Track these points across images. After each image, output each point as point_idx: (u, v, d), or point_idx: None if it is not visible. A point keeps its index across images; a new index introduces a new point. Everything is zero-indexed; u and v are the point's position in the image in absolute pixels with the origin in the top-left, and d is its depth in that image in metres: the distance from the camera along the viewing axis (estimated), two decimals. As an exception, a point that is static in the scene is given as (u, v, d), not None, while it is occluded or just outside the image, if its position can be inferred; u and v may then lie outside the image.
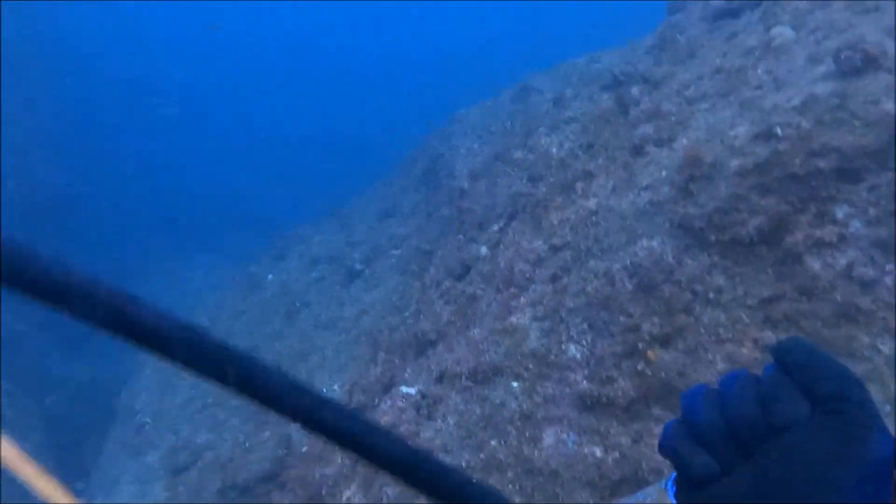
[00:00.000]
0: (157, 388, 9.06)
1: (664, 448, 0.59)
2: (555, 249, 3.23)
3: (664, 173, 2.89)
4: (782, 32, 3.08)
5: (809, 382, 0.52)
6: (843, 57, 2.46)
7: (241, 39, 35.78)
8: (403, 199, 11.27)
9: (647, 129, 3.25)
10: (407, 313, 5.06)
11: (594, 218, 3.11)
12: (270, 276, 12.11)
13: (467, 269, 4.33)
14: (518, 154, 5.42)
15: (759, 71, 3.05)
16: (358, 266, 8.75)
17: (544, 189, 4.30)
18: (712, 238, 2.53)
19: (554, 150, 5.00)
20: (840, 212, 2.26)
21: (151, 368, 9.58)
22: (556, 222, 3.52)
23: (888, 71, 2.38)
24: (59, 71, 16.99)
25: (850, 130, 2.32)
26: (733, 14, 4.22)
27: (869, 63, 2.41)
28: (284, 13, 37.96)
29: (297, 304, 9.07)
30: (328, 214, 14.00)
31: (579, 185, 3.60)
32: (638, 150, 3.23)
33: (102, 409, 9.50)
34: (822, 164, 2.34)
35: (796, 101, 2.56)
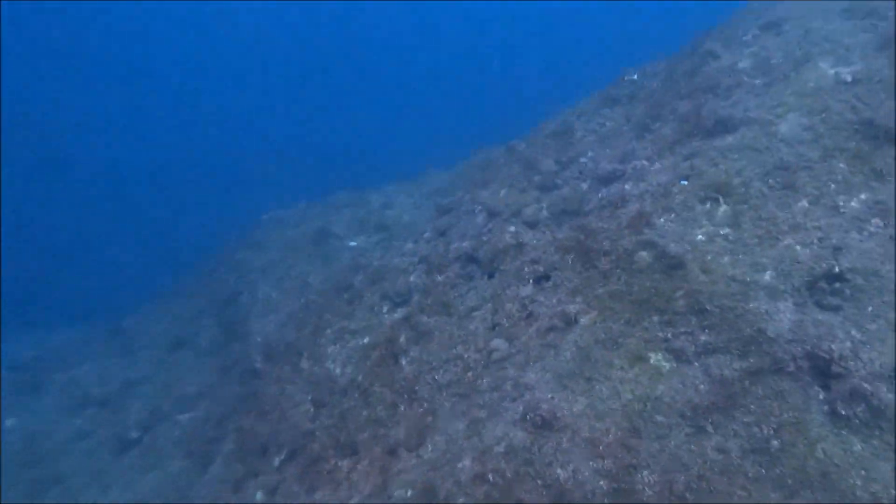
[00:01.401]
0: None
1: None
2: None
3: (409, 493, 3.38)
4: (499, 346, 3.88)
5: None
6: (528, 417, 3.24)
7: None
8: (198, 326, 10.40)
9: (400, 432, 3.75)
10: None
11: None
12: (11, 422, 9.65)
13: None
14: (305, 364, 5.60)
15: (485, 382, 3.77)
16: (134, 434, 7.72)
17: (324, 433, 4.54)
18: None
19: (337, 371, 5.31)
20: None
21: None
22: (330, 509, 3.77)
23: (557, 430, 3.20)
24: None
25: (535, 489, 3.04)
26: (478, 263, 5.09)
27: (545, 424, 3.22)
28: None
29: (44, 479, 7.38)
30: (109, 330, 12.09)
31: (345, 463, 3.93)
32: (393, 452, 3.70)
33: None
34: (520, 517, 3.01)
35: (502, 448, 3.25)
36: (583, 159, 5.64)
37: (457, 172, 10.06)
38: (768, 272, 3.36)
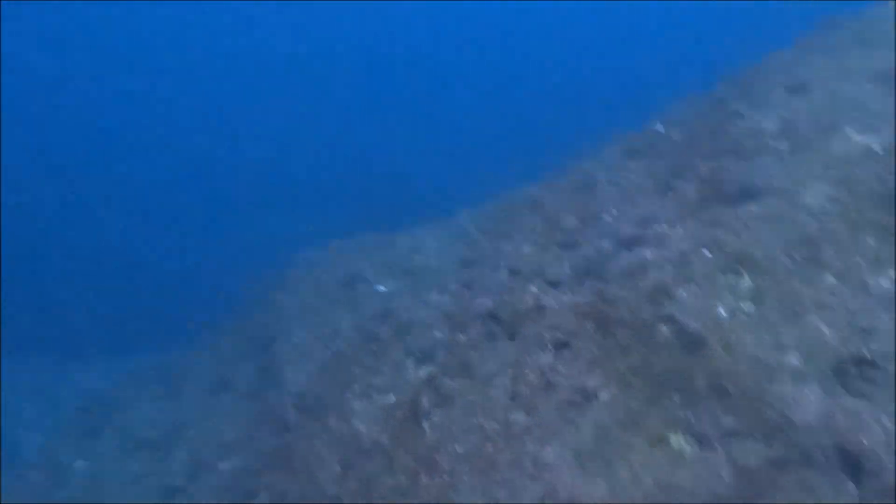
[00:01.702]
0: None
1: None
2: None
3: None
4: (519, 419, 3.89)
5: None
6: (547, 502, 3.22)
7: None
8: (238, 369, 10.77)
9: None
10: None
11: None
12: (79, 463, 10.39)
13: None
14: (333, 421, 5.72)
15: (504, 457, 3.78)
16: (179, 481, 8.09)
17: (348, 498, 4.61)
18: None
19: (364, 430, 5.40)
20: None
21: None
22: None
23: (575, 517, 3.17)
24: None
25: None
26: (499, 322, 5.13)
27: (562, 509, 3.19)
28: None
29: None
30: (157, 368, 12.74)
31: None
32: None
33: None
34: None
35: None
36: (605, 216, 5.64)
37: (482, 214, 10.17)
38: (793, 354, 3.26)
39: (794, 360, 3.24)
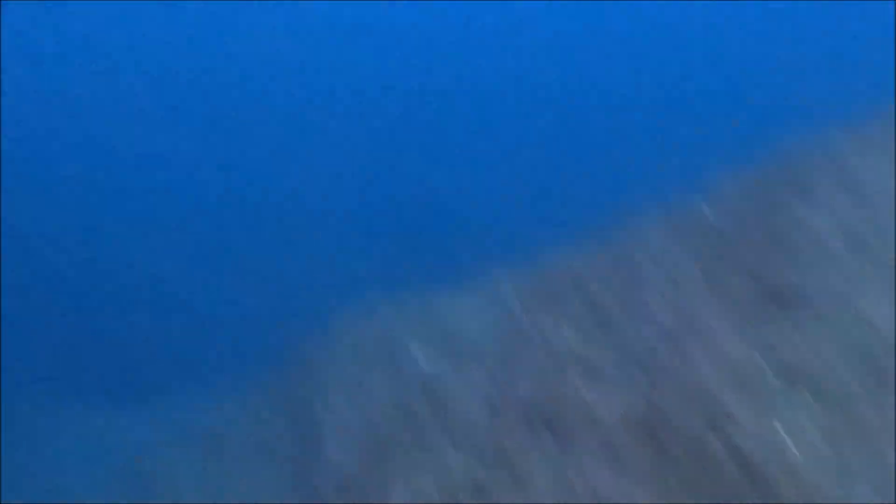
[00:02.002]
0: None
1: None
2: None
3: None
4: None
5: None
6: None
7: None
8: (276, 433, 10.71)
9: None
10: None
11: None
12: None
13: None
14: (373, 511, 5.65)
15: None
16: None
17: None
18: None
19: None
20: None
21: None
22: None
23: None
24: None
25: None
26: (539, 414, 5.03)
27: None
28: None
29: None
30: (197, 432, 12.85)
31: None
32: None
33: None
34: None
35: None
36: (651, 304, 5.55)
37: (522, 283, 10.08)
38: (862, 486, 3.06)
39: (864, 495, 3.04)
